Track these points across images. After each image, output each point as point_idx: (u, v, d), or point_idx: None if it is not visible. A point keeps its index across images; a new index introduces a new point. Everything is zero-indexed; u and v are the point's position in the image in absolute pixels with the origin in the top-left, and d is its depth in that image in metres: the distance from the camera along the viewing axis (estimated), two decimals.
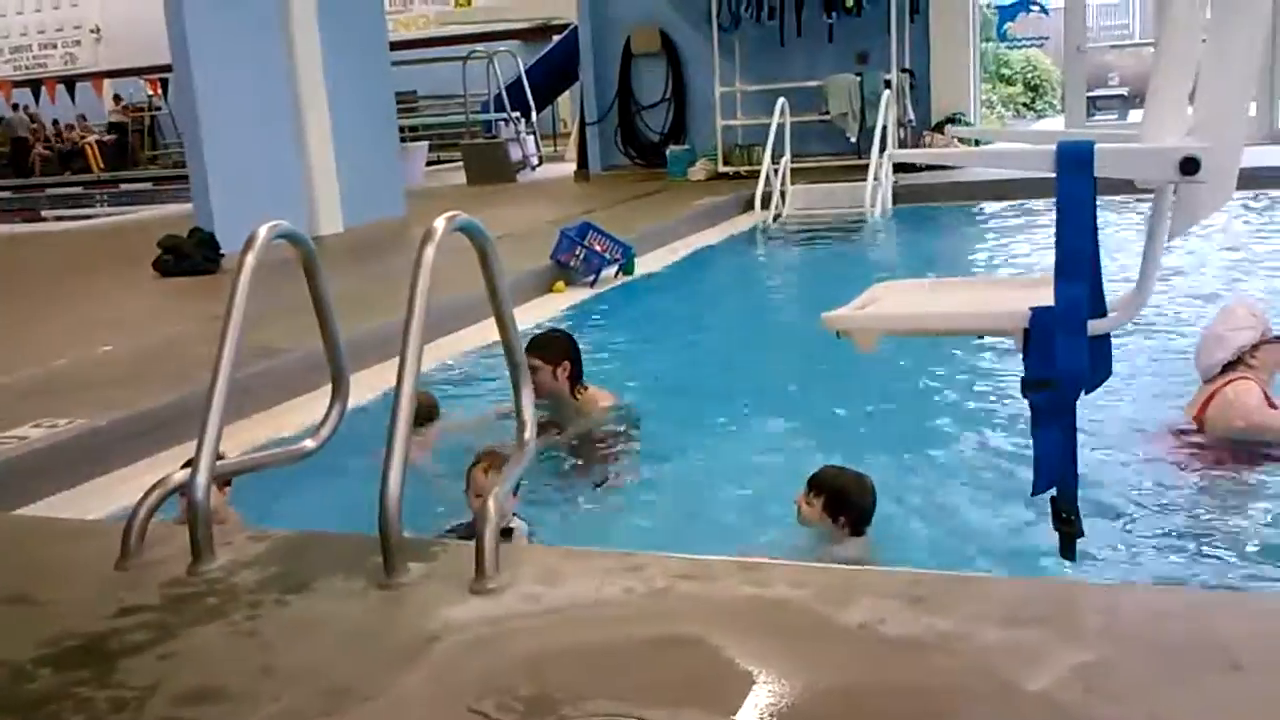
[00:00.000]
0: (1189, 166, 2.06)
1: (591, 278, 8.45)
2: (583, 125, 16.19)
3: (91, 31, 29.31)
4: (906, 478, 4.34)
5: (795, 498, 3.74)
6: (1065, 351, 2.15)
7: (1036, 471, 2.28)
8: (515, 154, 17.06)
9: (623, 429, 5.19)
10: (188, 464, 2.80)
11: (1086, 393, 2.32)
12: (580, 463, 4.88)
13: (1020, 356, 2.29)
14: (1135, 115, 15.12)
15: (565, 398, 5.20)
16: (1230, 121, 2.21)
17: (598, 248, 8.53)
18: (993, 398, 5.19)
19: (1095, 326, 2.20)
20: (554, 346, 5.25)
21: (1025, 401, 2.27)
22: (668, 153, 14.81)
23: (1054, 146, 2.09)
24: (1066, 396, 2.20)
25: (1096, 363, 2.32)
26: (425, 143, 19.11)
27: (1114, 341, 2.52)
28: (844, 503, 3.67)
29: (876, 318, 2.40)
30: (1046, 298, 2.16)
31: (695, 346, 6.88)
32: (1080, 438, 2.38)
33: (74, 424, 4.74)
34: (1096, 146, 2.08)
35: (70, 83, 27.17)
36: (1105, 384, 2.60)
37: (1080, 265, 2.13)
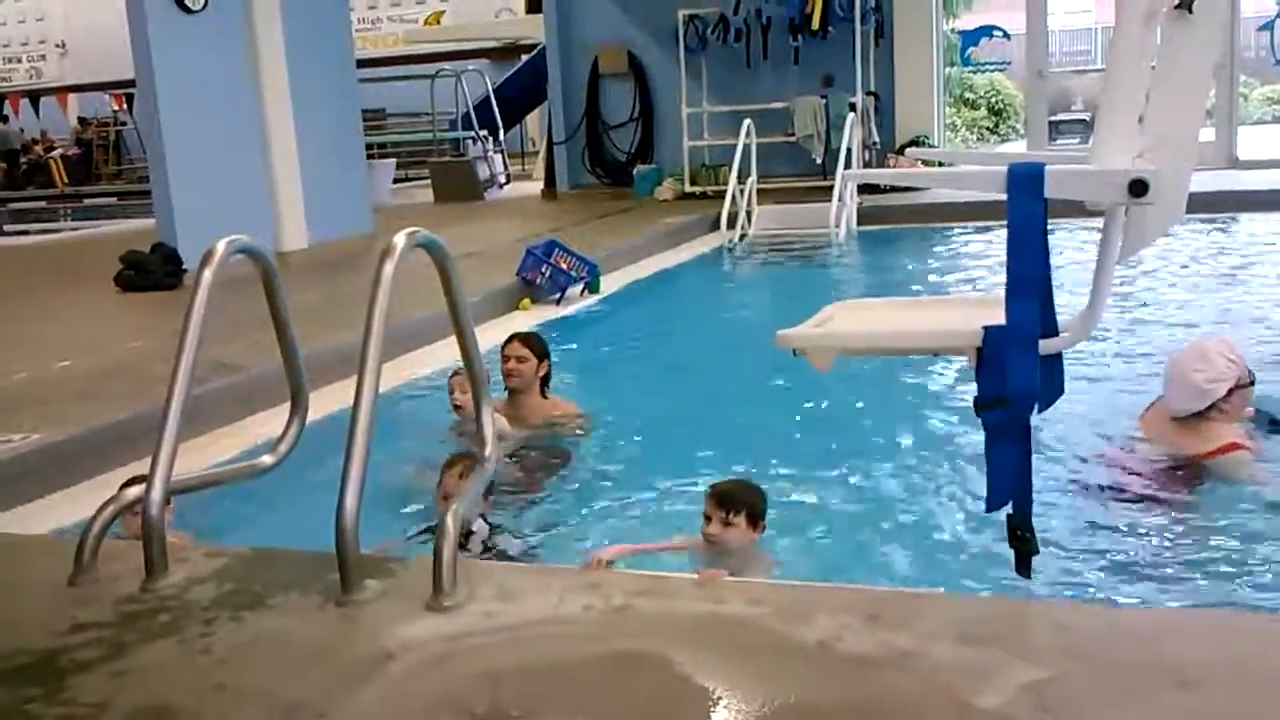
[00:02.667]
0: (1138, 189, 2.09)
1: (557, 295, 8.45)
2: (550, 144, 16.22)
3: (57, 46, 29.08)
4: (863, 495, 4.36)
5: (705, 529, 3.66)
6: (1017, 370, 2.18)
7: (990, 489, 2.30)
8: (483, 172, 17.05)
9: (583, 439, 5.24)
10: (140, 479, 2.77)
11: (1039, 411, 2.34)
12: (537, 471, 4.90)
13: (974, 375, 2.31)
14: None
15: (536, 397, 5.28)
16: (1179, 145, 2.25)
17: (563, 265, 8.53)
18: (948, 416, 5.22)
19: (1047, 346, 2.22)
20: (539, 343, 5.41)
21: (971, 420, 2.27)
22: (634, 172, 14.85)
23: (1005, 168, 2.12)
24: (1019, 415, 2.23)
25: (1049, 382, 2.35)
26: (392, 160, 19.08)
27: (1067, 360, 2.55)
28: (761, 508, 3.70)
29: (831, 336, 2.41)
30: (999, 317, 2.18)
31: (659, 365, 6.89)
32: (1035, 456, 2.40)
33: (30, 439, 4.69)
34: (1047, 168, 2.10)
35: (35, 97, 26.95)
36: (1059, 403, 2.62)
37: (1031, 285, 2.16)
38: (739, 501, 3.65)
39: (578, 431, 5.32)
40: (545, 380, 5.37)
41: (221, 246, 2.94)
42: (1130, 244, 2.23)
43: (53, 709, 2.18)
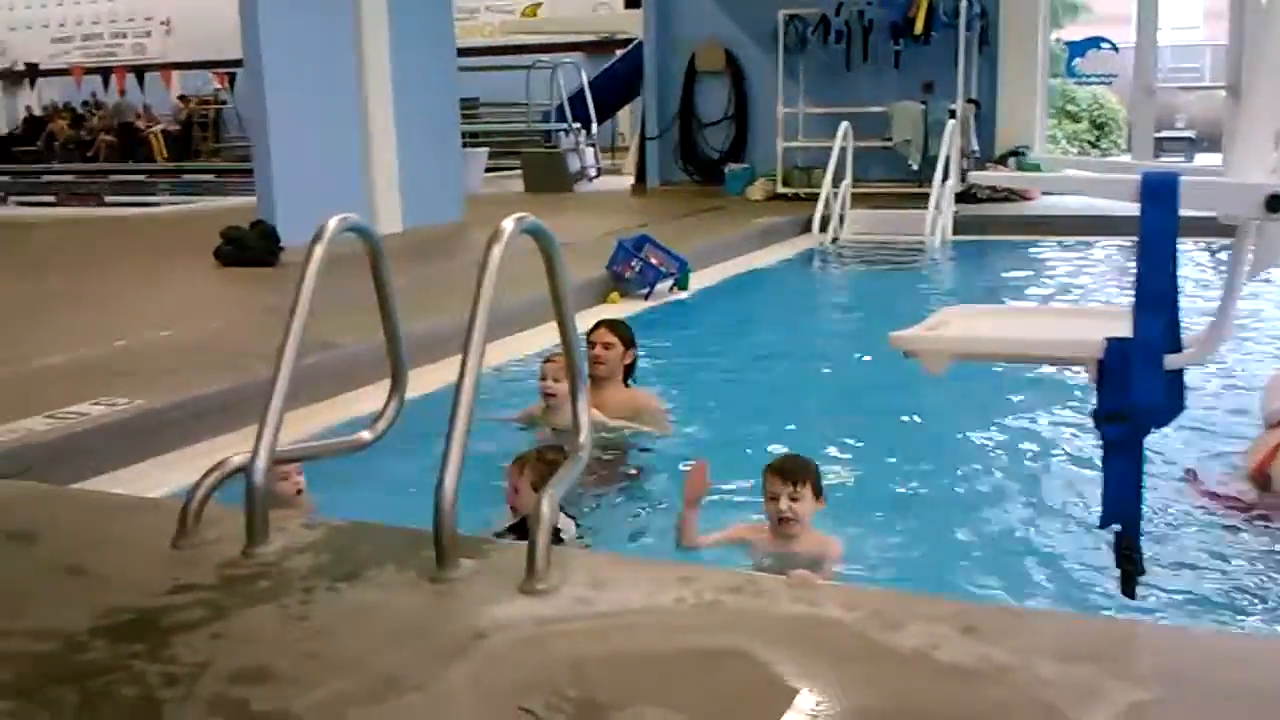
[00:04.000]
0: (1275, 204, 2.03)
1: (646, 290, 8.45)
2: (643, 139, 16.22)
3: (161, 23, 29.75)
4: (958, 505, 4.29)
5: (774, 509, 3.64)
6: (1140, 384, 2.13)
7: (1105, 504, 2.25)
8: (574, 164, 17.13)
9: (664, 433, 5.21)
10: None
11: (1158, 427, 2.29)
12: (613, 464, 4.88)
13: (1088, 387, 2.27)
14: (1202, 159, 14.93)
15: (619, 386, 5.25)
16: None
17: (654, 261, 8.53)
18: (1050, 429, 5.11)
19: (1171, 361, 2.17)
20: (626, 331, 5.38)
21: (1082, 435, 2.22)
22: (726, 171, 14.80)
23: (1139, 176, 2.07)
24: (1139, 430, 2.18)
25: (1170, 397, 2.29)
26: (485, 149, 19.19)
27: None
28: (819, 477, 3.70)
29: (948, 340, 2.37)
30: (1121, 329, 2.13)
31: (746, 364, 6.85)
32: (1146, 477, 2.35)
33: (133, 404, 4.80)
34: (1181, 179, 2.05)
35: (139, 72, 27.58)
36: (1174, 423, 2.56)
37: (1159, 298, 2.10)
38: (801, 472, 3.64)
39: (659, 425, 5.28)
40: (630, 370, 5.34)
41: (333, 223, 2.98)
42: (1261, 261, 2.17)
43: (155, 666, 2.22)
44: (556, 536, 3.77)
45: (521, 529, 3.68)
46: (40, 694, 2.14)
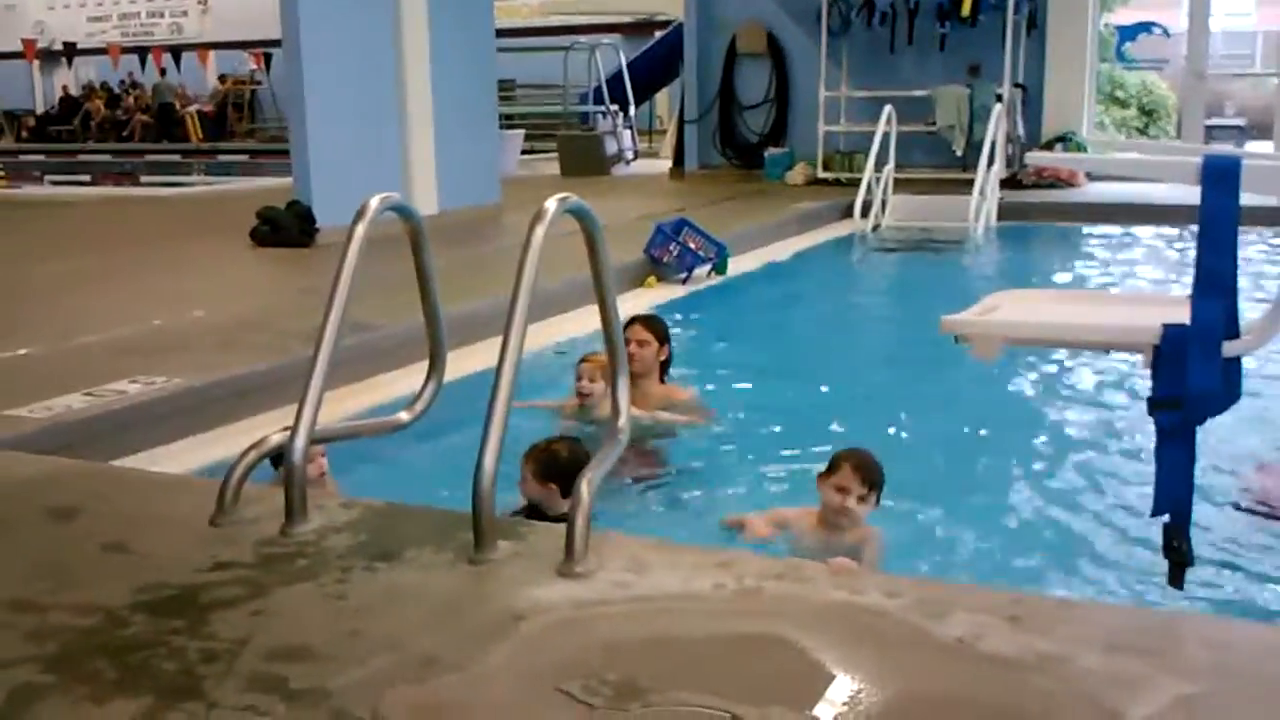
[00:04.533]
0: None
1: (684, 275, 8.41)
2: (681, 122, 16.13)
3: (199, 3, 29.87)
4: (1005, 496, 4.24)
5: (839, 502, 3.52)
6: (1197, 371, 2.08)
7: (1157, 493, 2.21)
8: (611, 147, 17.06)
9: (699, 427, 5.15)
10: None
11: (1213, 415, 2.24)
12: (648, 459, 4.82)
13: (1140, 376, 2.22)
14: (1252, 146, 14.69)
15: (654, 383, 5.20)
16: None
17: (692, 245, 8.47)
18: (1098, 417, 5.03)
19: (1229, 348, 2.12)
20: (661, 327, 5.31)
21: (1131, 424, 2.18)
22: (766, 155, 14.67)
23: (1199, 159, 2.02)
24: (1195, 417, 2.13)
25: (1226, 385, 2.24)
26: (521, 131, 19.14)
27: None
28: (882, 477, 3.57)
29: (1000, 324, 2.32)
30: (1178, 315, 2.08)
31: (784, 351, 6.80)
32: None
33: (170, 382, 4.82)
34: (1244, 163, 2.00)
35: (176, 52, 27.71)
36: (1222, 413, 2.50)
37: (1219, 283, 2.06)
38: (878, 477, 3.52)
39: (695, 419, 5.22)
40: (665, 366, 5.26)
41: (375, 202, 2.96)
42: None
43: (194, 642, 2.23)
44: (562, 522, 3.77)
45: (530, 514, 3.67)
46: (81, 667, 2.15)
